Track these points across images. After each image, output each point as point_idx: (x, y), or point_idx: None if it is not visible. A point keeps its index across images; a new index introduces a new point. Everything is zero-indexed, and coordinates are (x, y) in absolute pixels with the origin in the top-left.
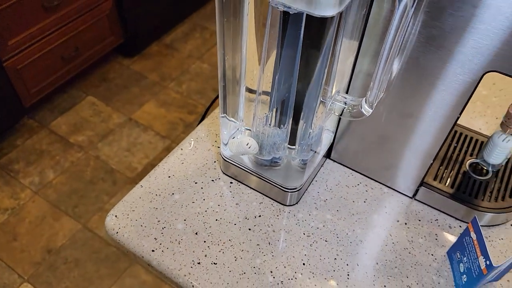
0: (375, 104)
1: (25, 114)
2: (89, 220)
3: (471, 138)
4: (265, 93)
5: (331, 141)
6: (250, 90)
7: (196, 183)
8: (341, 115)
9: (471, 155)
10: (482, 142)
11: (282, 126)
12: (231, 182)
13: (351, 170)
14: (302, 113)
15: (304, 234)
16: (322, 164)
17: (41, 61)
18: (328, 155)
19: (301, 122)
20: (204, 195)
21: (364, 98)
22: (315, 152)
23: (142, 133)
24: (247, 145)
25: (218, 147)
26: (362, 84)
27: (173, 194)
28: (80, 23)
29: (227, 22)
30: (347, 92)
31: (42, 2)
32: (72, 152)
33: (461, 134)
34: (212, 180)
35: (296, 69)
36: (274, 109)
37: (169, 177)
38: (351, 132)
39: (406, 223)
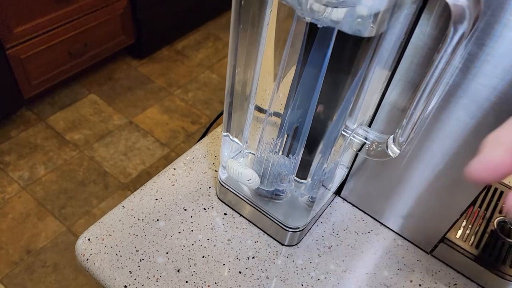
0: (405, 146)
1: (24, 105)
2: (74, 224)
3: (502, 192)
4: (276, 114)
5: (344, 178)
6: (260, 109)
7: (185, 210)
8: (359, 151)
9: (500, 212)
10: None
11: (291, 155)
12: (225, 214)
13: (362, 213)
14: (317, 144)
15: (302, 285)
16: (330, 203)
17: (47, 54)
18: (338, 191)
19: (315, 154)
20: (193, 225)
21: (392, 136)
22: (326, 188)
23: (142, 138)
24: (248, 180)
25: (216, 170)
26: (388, 119)
27: (158, 220)
28: (91, 19)
29: (243, 30)
30: (369, 126)
31: None
32: (66, 149)
33: (490, 186)
34: (204, 209)
35: (316, 94)
36: (285, 136)
37: (156, 199)
38: (367, 169)
39: (420, 285)
